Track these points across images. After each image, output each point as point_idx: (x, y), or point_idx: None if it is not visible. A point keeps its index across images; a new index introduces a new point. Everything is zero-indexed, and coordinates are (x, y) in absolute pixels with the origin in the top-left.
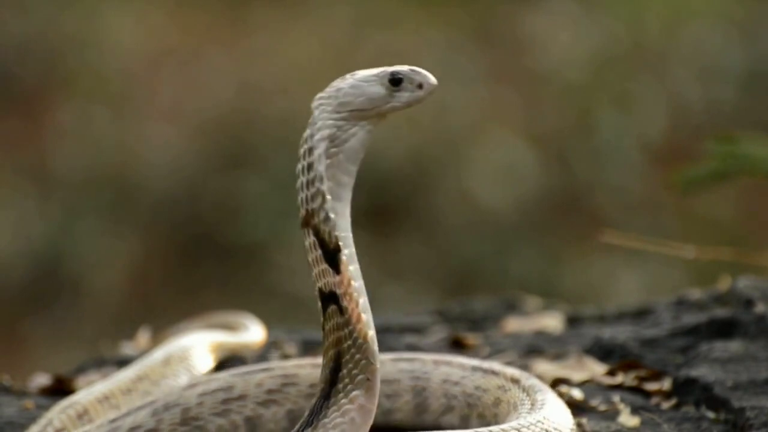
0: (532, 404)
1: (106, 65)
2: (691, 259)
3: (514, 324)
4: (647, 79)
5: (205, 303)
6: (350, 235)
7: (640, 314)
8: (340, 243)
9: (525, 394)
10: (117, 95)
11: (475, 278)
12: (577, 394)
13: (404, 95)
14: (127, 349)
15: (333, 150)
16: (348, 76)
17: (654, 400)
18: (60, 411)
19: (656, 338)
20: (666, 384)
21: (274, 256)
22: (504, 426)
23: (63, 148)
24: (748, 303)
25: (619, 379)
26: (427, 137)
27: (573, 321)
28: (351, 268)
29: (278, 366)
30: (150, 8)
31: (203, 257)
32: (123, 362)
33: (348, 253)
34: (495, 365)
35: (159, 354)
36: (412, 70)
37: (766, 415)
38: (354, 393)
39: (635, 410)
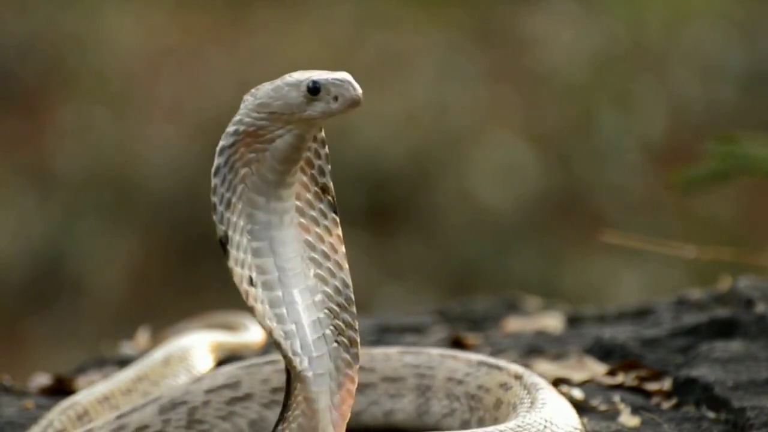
0: (532, 402)
1: (106, 65)
2: (692, 259)
3: (514, 324)
4: (647, 79)
5: (205, 303)
6: (267, 230)
7: (641, 314)
8: (229, 234)
9: (526, 391)
10: (117, 95)
11: (475, 278)
12: (577, 394)
13: (319, 106)
14: (126, 349)
15: (258, 146)
16: (285, 77)
17: (654, 400)
18: (60, 412)
19: (656, 338)
20: (666, 384)
21: None
22: (509, 424)
23: (63, 148)
24: (749, 303)
25: (620, 379)
26: (427, 137)
27: (573, 321)
28: (256, 261)
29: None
30: (150, 8)
31: (203, 257)
32: (123, 362)
33: (256, 246)
34: (500, 361)
35: (159, 354)
36: (333, 81)
37: (767, 415)
38: (298, 386)
39: (636, 410)
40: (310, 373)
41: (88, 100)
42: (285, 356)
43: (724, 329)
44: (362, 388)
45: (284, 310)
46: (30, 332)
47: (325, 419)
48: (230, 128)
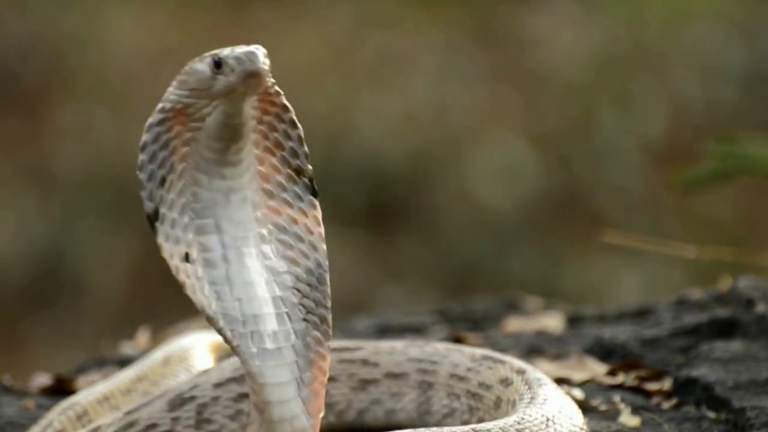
0: (533, 398)
1: (107, 65)
2: (692, 259)
3: (514, 324)
4: (648, 79)
5: None
6: (212, 208)
7: (641, 314)
8: (161, 211)
9: (527, 386)
10: (117, 95)
11: (475, 278)
12: (577, 394)
13: (222, 80)
14: (127, 349)
15: (193, 124)
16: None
17: (655, 400)
18: (60, 412)
19: (657, 338)
20: (667, 384)
21: None
22: (509, 421)
23: (63, 148)
24: (749, 303)
25: (620, 379)
26: (427, 137)
27: (573, 321)
28: (200, 238)
29: None
30: (150, 8)
31: None
32: (124, 362)
33: (199, 224)
34: (506, 356)
35: (159, 354)
36: (232, 54)
37: (767, 415)
38: (239, 360)
39: (636, 410)
40: (253, 349)
41: (88, 100)
42: (220, 332)
43: (725, 329)
44: (365, 384)
45: (226, 288)
46: (30, 332)
47: (279, 395)
48: (158, 106)
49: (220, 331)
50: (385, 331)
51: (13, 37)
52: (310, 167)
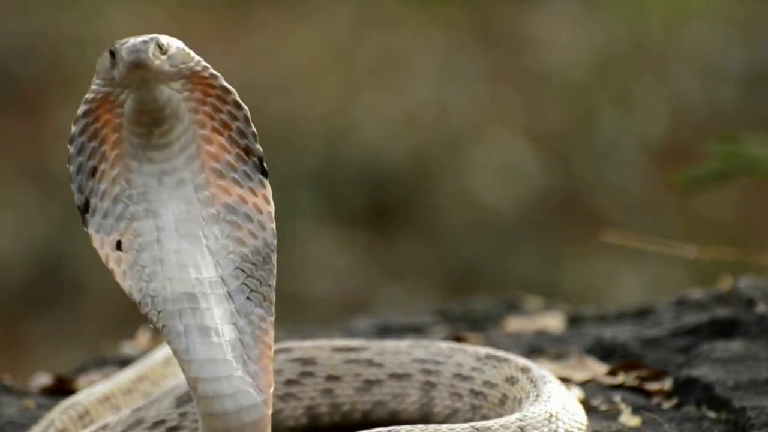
0: (538, 395)
1: None
2: (692, 259)
3: (515, 324)
4: (648, 79)
5: None
6: (145, 193)
7: (641, 314)
8: (91, 201)
9: (532, 384)
10: None
11: (475, 278)
12: (578, 393)
13: (117, 71)
14: (127, 348)
15: (118, 111)
16: None
17: (655, 400)
18: (61, 412)
19: (657, 338)
20: (667, 384)
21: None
22: (511, 417)
23: (63, 148)
24: (749, 303)
25: (620, 379)
26: (427, 137)
27: (574, 321)
28: (134, 224)
29: (297, 347)
30: (150, 8)
31: None
32: (124, 362)
33: (134, 210)
34: (509, 354)
35: (159, 354)
36: (120, 46)
37: (767, 415)
38: (166, 340)
39: (636, 410)
40: (180, 327)
41: None
42: (147, 315)
43: (725, 329)
44: (369, 385)
45: (158, 268)
46: (30, 332)
47: (211, 371)
48: (84, 97)
49: (147, 315)
50: (385, 331)
51: (13, 37)
52: (259, 147)
